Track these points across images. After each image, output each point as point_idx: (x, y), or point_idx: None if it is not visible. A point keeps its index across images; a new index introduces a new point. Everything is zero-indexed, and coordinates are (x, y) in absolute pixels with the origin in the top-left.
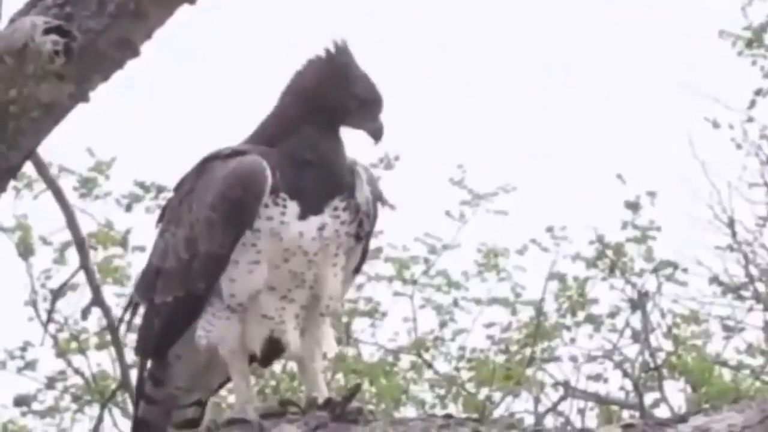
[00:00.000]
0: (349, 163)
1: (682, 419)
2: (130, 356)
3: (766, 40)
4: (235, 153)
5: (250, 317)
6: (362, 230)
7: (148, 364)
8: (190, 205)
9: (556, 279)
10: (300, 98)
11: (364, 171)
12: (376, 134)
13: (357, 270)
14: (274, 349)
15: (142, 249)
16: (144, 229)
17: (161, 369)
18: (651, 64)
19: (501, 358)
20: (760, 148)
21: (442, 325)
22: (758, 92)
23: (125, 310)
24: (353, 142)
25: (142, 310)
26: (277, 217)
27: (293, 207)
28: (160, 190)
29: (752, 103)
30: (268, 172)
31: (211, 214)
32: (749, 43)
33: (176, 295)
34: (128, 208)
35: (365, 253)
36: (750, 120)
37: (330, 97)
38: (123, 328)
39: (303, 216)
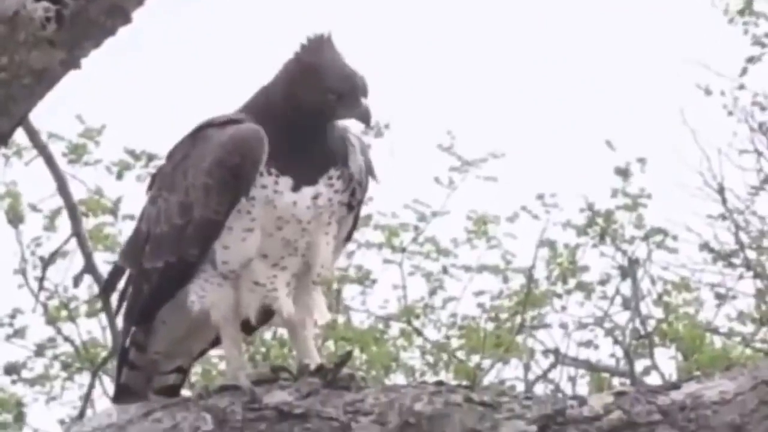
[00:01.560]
0: (342, 131)
1: (675, 386)
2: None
3: (756, 7)
4: (230, 121)
5: (243, 284)
6: (354, 199)
7: (132, 330)
8: (185, 172)
9: (547, 246)
10: (282, 101)
11: (356, 140)
12: (364, 118)
13: (348, 238)
14: (261, 316)
15: (132, 217)
16: (135, 197)
17: (144, 334)
18: (642, 31)
19: (491, 326)
20: (752, 115)
21: (432, 292)
22: (750, 59)
23: (111, 275)
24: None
25: (128, 277)
26: (271, 185)
27: (285, 180)
28: (151, 158)
29: (744, 71)
30: (266, 140)
31: (208, 180)
32: (741, 11)
33: (168, 260)
34: (119, 175)
35: (356, 221)
36: (741, 87)
37: (306, 99)
38: (113, 294)
39: (296, 188)
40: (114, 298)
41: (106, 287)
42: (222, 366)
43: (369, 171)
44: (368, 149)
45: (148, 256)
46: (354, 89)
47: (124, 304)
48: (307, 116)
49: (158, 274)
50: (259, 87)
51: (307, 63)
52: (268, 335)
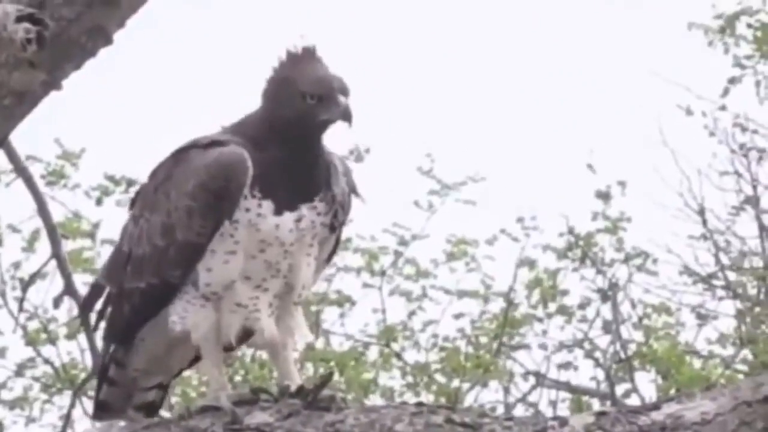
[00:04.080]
0: (325, 154)
1: (655, 407)
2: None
3: (738, 29)
4: (214, 143)
5: (225, 306)
6: (337, 221)
7: (112, 348)
8: (167, 193)
9: (527, 265)
10: (264, 120)
11: (339, 162)
12: (345, 116)
13: (329, 259)
14: (242, 336)
15: (111, 242)
16: (113, 222)
17: (124, 351)
18: (622, 54)
19: (471, 349)
20: (732, 136)
21: (412, 313)
22: (731, 80)
23: (90, 295)
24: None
25: (107, 295)
26: (254, 208)
27: (268, 204)
28: (130, 183)
29: (725, 91)
30: (250, 163)
31: (191, 203)
32: (722, 31)
33: (149, 281)
34: (99, 201)
35: (338, 242)
36: (722, 108)
37: (286, 111)
38: (92, 314)
39: (278, 212)
40: (92, 317)
41: (85, 305)
42: (202, 387)
43: (352, 191)
44: (351, 171)
45: (130, 276)
46: (331, 90)
47: (103, 323)
48: (290, 131)
49: (139, 294)
50: (245, 109)
51: (282, 76)
52: (247, 357)
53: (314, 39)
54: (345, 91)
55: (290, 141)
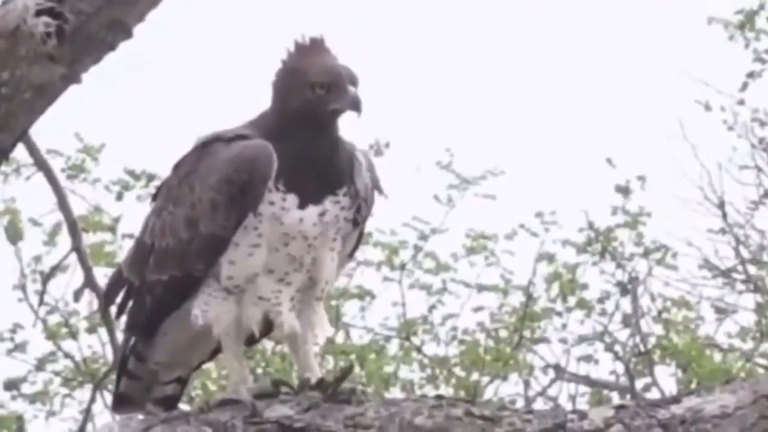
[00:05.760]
0: (349, 148)
1: (675, 400)
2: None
3: (758, 23)
4: (238, 136)
5: (247, 299)
6: (360, 215)
7: (132, 340)
8: (191, 186)
9: (545, 259)
10: (277, 113)
11: (363, 157)
12: (354, 105)
13: (351, 253)
14: (264, 329)
15: (131, 236)
16: (134, 216)
17: (145, 345)
18: (641, 48)
19: (491, 343)
20: (751, 130)
21: (432, 307)
22: (750, 74)
23: (111, 288)
24: (347, 129)
25: (129, 288)
26: (278, 202)
27: (292, 198)
28: (150, 178)
29: (744, 86)
30: (275, 156)
31: (216, 196)
32: (741, 26)
33: (172, 274)
34: (119, 196)
35: (360, 237)
36: (741, 102)
37: (296, 102)
38: (113, 305)
39: (302, 206)
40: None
41: (106, 297)
42: (222, 380)
43: (375, 187)
44: (375, 166)
45: (152, 268)
46: (339, 78)
47: (124, 315)
48: (300, 122)
49: (162, 286)
50: (263, 104)
51: (291, 67)
52: (269, 350)
53: (334, 35)
54: (354, 81)
55: (303, 132)
